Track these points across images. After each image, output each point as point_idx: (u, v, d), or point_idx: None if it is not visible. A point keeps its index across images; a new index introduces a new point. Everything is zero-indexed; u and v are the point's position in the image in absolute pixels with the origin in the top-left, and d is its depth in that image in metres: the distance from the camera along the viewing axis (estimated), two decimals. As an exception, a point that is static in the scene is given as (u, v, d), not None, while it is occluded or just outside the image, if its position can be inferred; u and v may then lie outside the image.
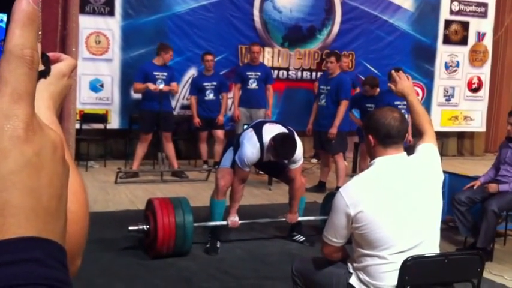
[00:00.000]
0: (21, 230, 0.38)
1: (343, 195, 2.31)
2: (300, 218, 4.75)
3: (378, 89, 6.80)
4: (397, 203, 2.30)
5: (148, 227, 4.18)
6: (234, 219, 4.53)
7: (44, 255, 0.38)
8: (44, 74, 0.68)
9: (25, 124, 0.40)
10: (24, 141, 0.39)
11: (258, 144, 4.25)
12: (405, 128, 2.46)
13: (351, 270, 2.42)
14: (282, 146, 4.20)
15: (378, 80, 7.01)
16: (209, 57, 7.41)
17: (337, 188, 5.85)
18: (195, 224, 4.26)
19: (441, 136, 8.85)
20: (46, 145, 0.41)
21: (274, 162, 4.58)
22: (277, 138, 4.19)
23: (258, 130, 4.33)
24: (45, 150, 0.41)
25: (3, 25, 0.38)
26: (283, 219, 4.75)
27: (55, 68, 0.72)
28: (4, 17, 0.37)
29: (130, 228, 4.19)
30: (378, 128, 2.38)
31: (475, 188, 4.70)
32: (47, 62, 0.70)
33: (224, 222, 4.54)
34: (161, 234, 4.08)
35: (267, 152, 4.29)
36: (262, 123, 4.53)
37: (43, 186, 0.40)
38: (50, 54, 0.74)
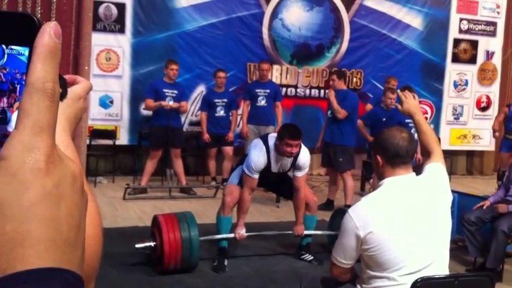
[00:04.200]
0: (41, 261, 0.38)
1: (352, 216, 2.30)
2: (306, 232, 4.73)
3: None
4: (406, 224, 2.29)
5: (155, 243, 4.19)
6: (241, 232, 4.53)
7: (61, 285, 0.39)
8: (61, 96, 0.70)
9: (46, 157, 0.40)
10: (45, 174, 0.40)
11: (264, 148, 4.33)
12: (414, 148, 2.46)
13: (360, 291, 2.41)
14: (287, 129, 4.36)
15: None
16: (221, 74, 7.47)
17: (346, 206, 5.84)
18: (201, 238, 4.26)
19: (450, 155, 8.83)
20: (66, 176, 0.42)
21: (281, 176, 4.60)
22: (281, 126, 4.72)
23: (264, 137, 4.51)
24: (64, 181, 0.41)
25: (25, 59, 0.40)
26: (290, 232, 4.74)
27: (71, 91, 0.74)
28: (26, 50, 0.38)
29: (137, 246, 4.20)
30: (386, 147, 2.38)
31: (484, 207, 4.67)
32: (64, 85, 0.72)
33: (231, 235, 4.54)
34: (167, 249, 4.08)
35: (274, 151, 4.32)
36: (269, 133, 4.70)
37: (62, 217, 0.41)
38: (67, 77, 0.75)
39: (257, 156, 4.31)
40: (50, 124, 0.41)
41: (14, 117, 0.46)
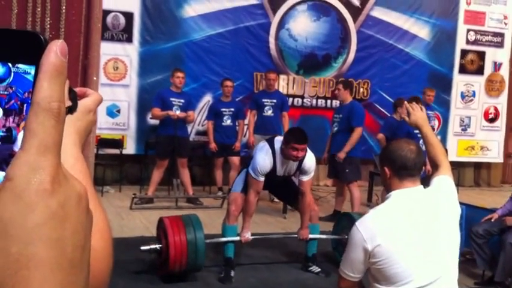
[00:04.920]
0: (46, 284, 0.38)
1: (360, 229, 2.28)
2: (311, 236, 4.72)
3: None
4: (414, 237, 2.27)
5: (160, 246, 4.18)
6: (246, 235, 4.53)
7: None
8: (71, 110, 0.70)
9: (51, 177, 0.40)
10: (50, 194, 0.40)
11: (270, 151, 4.35)
12: (422, 160, 2.44)
13: (367, 305, 2.38)
14: (293, 133, 4.39)
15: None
16: (228, 83, 7.48)
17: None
18: (207, 241, 4.25)
19: (457, 166, 8.78)
20: (71, 196, 0.41)
21: (286, 180, 4.60)
22: (287, 131, 4.79)
23: (270, 140, 4.52)
24: (70, 201, 0.41)
25: (31, 77, 0.39)
26: (295, 235, 4.73)
27: (82, 104, 0.74)
28: (32, 69, 0.38)
29: (142, 248, 4.20)
30: (394, 159, 2.36)
31: (492, 220, 4.64)
32: (74, 98, 0.71)
33: (237, 238, 4.53)
34: (173, 251, 4.07)
35: (279, 154, 4.31)
36: (275, 136, 4.69)
37: (67, 237, 0.40)
38: (77, 90, 0.75)
39: (263, 159, 4.33)
40: (56, 143, 0.41)
41: (20, 136, 0.46)
